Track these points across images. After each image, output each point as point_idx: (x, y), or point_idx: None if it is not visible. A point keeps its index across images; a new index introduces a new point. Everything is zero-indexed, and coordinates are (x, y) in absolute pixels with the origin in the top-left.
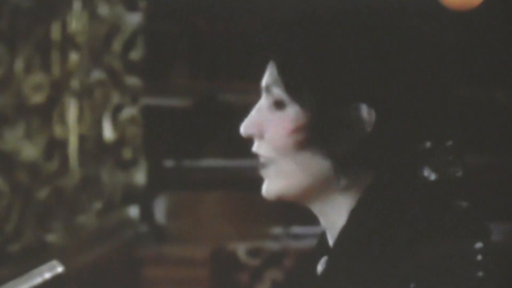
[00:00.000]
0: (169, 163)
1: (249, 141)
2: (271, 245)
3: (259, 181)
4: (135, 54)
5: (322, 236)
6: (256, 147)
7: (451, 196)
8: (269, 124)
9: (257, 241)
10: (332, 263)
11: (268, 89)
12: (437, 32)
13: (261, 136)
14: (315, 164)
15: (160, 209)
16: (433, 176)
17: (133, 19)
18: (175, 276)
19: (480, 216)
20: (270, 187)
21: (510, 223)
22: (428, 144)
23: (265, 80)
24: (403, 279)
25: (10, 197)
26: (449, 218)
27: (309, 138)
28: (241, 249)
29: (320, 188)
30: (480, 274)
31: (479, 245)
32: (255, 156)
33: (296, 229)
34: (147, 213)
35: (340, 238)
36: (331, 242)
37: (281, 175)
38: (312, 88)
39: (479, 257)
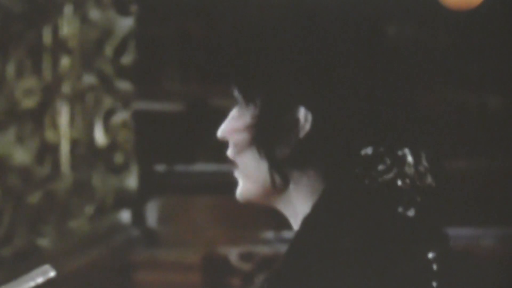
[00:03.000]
0: (160, 167)
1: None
2: (263, 250)
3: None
4: (127, 59)
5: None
6: (228, 151)
7: (396, 205)
8: (228, 124)
9: (249, 245)
10: (284, 269)
11: (233, 90)
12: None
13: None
14: (259, 165)
15: (152, 214)
16: (375, 184)
17: (125, 23)
18: (167, 281)
19: (433, 225)
20: (239, 190)
21: (502, 227)
22: (369, 150)
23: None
24: None
25: (1, 201)
26: (396, 227)
27: (253, 137)
28: (233, 254)
29: (281, 192)
30: (435, 284)
31: (432, 254)
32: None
33: (288, 234)
34: (138, 218)
35: (292, 245)
36: None
37: (243, 177)
38: (259, 89)
39: (434, 267)
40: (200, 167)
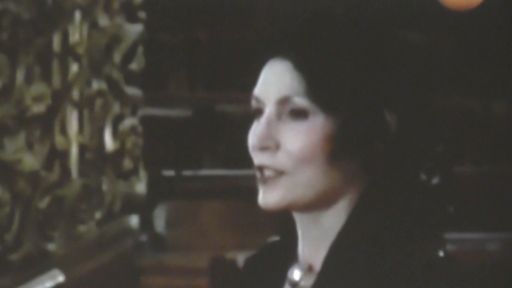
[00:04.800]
0: (168, 172)
1: (247, 152)
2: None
3: (261, 193)
4: (135, 65)
5: (285, 243)
6: (266, 160)
7: (445, 201)
8: (287, 135)
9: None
10: (328, 270)
11: (285, 99)
12: (435, 43)
13: (277, 148)
14: (339, 171)
15: (160, 219)
16: (435, 179)
17: (133, 30)
18: (175, 285)
19: (458, 223)
20: (275, 197)
21: (508, 232)
22: (440, 147)
23: (279, 91)
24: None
25: (11, 207)
26: (436, 220)
27: (339, 145)
28: (240, 258)
29: (331, 196)
30: (444, 281)
31: (442, 253)
32: (258, 168)
33: None
34: (147, 223)
35: (337, 241)
36: (303, 249)
37: (295, 186)
38: (343, 97)
39: (444, 265)
40: (208, 172)
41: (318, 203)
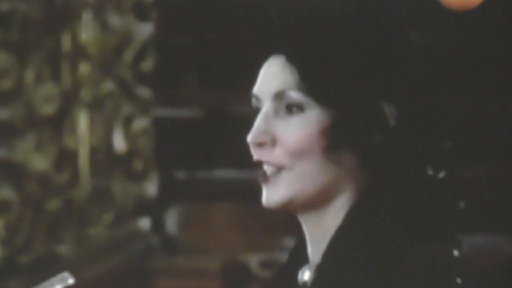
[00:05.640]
0: (180, 174)
1: (241, 153)
2: (284, 257)
3: (263, 193)
4: (146, 65)
5: (299, 247)
6: (264, 156)
7: (452, 196)
8: (282, 130)
9: (270, 252)
10: (326, 266)
11: (280, 94)
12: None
13: (273, 143)
14: (337, 164)
15: (171, 221)
16: (442, 173)
17: (144, 29)
18: None
19: (470, 220)
20: (276, 195)
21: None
22: (449, 143)
23: (274, 86)
24: (396, 283)
25: (20, 209)
26: (446, 218)
27: (336, 137)
28: (253, 261)
29: (331, 191)
30: (459, 281)
31: (457, 252)
32: (257, 164)
33: None
34: (158, 225)
35: (335, 239)
36: (311, 250)
37: (293, 181)
38: (338, 90)
39: (459, 264)
40: (220, 173)
41: (318, 200)
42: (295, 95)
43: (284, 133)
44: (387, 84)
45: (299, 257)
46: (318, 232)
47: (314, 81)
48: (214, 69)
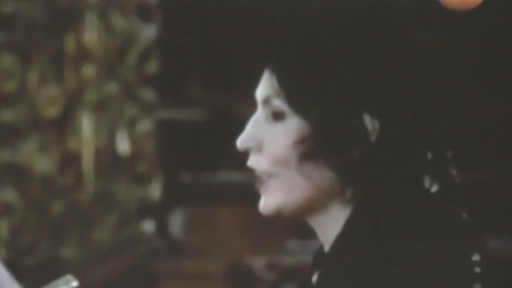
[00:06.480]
0: (184, 176)
1: (245, 155)
2: (289, 260)
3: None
4: (150, 67)
5: (319, 250)
6: (253, 162)
7: (452, 207)
8: (268, 136)
9: (275, 255)
10: (326, 272)
11: (266, 100)
12: (436, 43)
13: (260, 150)
14: (319, 176)
15: (175, 224)
16: (434, 187)
17: (148, 31)
18: None
19: (479, 228)
20: (268, 202)
21: None
22: (430, 154)
23: (262, 91)
24: None
25: (24, 211)
26: (448, 229)
27: (313, 149)
28: (258, 264)
29: (322, 200)
30: (478, 286)
31: (476, 257)
32: (251, 170)
33: (314, 244)
34: (162, 228)
35: (334, 246)
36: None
37: (281, 189)
38: (315, 99)
39: (477, 270)
40: (225, 176)
41: (311, 208)
42: (277, 103)
43: (269, 139)
44: (370, 96)
45: (318, 259)
46: (323, 236)
47: (291, 90)
48: (219, 71)
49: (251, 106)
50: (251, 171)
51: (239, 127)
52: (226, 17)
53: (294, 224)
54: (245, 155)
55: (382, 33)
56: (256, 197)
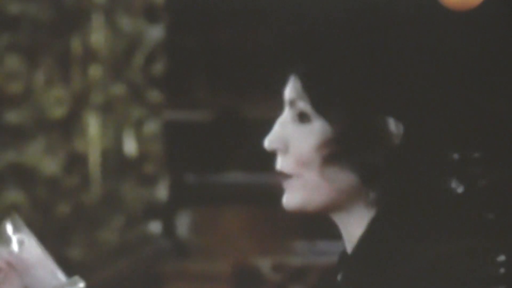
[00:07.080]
0: (191, 177)
1: (272, 155)
2: (295, 260)
3: (283, 195)
4: (157, 68)
5: (344, 250)
6: (280, 163)
7: (478, 208)
8: (293, 138)
9: (281, 256)
10: (349, 272)
11: (292, 102)
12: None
13: (286, 151)
14: (342, 178)
15: (182, 224)
16: (460, 188)
17: (155, 32)
18: None
19: (505, 229)
20: (292, 199)
21: None
22: (456, 155)
23: (289, 94)
24: None
25: (30, 212)
26: (474, 230)
27: (337, 152)
28: (264, 265)
29: (345, 200)
30: (502, 287)
31: (501, 258)
32: (277, 170)
33: (321, 244)
34: (169, 229)
35: (357, 248)
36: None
37: (304, 188)
38: (340, 102)
39: (502, 270)
40: (231, 177)
41: (335, 208)
42: (302, 105)
43: (295, 141)
44: (394, 99)
45: (343, 259)
46: (346, 235)
47: (315, 93)
48: (225, 72)
49: (257, 108)
50: (277, 171)
51: (245, 128)
52: (232, 19)
53: (300, 224)
54: (250, 156)
55: (404, 36)
56: (262, 198)
